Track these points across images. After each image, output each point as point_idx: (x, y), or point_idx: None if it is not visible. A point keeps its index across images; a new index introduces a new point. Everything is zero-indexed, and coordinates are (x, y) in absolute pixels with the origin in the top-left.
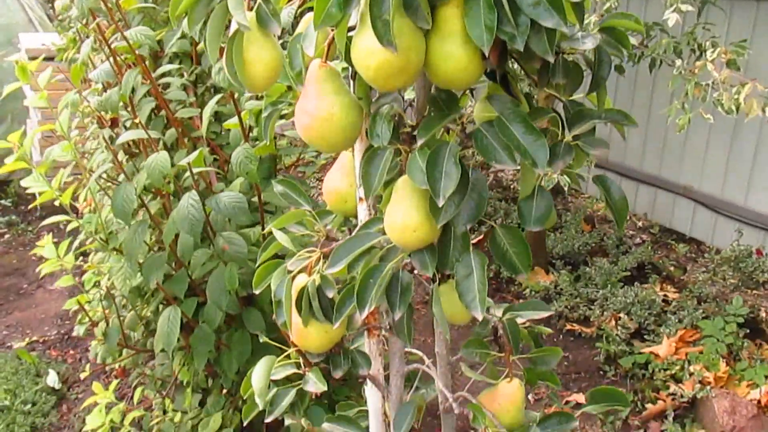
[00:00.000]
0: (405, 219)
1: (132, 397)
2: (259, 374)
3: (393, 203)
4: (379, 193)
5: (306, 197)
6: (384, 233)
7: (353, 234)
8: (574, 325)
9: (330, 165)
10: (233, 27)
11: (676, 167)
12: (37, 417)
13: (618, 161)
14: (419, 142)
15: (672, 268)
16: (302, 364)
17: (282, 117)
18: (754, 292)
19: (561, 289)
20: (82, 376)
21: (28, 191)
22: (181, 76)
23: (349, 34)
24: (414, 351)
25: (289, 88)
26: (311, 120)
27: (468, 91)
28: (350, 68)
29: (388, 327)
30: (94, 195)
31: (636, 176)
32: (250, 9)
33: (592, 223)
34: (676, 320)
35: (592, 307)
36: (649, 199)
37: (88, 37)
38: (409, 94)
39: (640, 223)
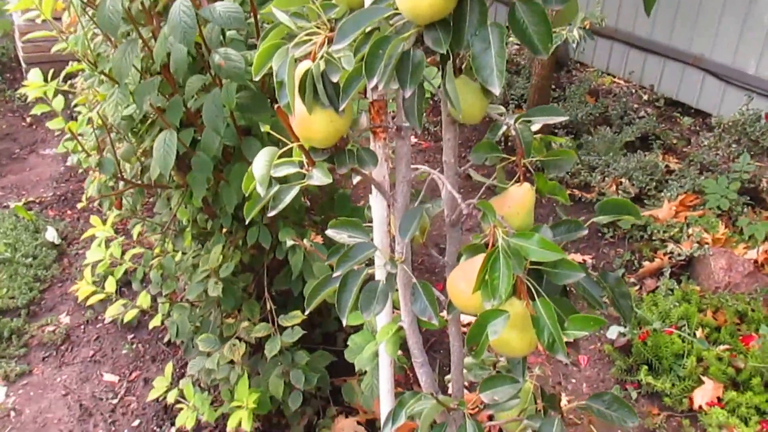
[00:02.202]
0: None
1: (131, 239)
2: (260, 163)
3: None
4: None
5: None
6: (395, 10)
7: (361, 9)
8: (575, 190)
9: None
10: None
11: (688, 35)
12: (39, 269)
13: (627, 30)
14: None
15: (675, 140)
16: (305, 163)
17: None
18: (758, 163)
19: None
20: (79, 206)
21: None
22: None
23: None
24: (420, 167)
25: None
26: None
27: None
28: None
29: (394, 129)
30: (77, 13)
31: (645, 45)
32: None
33: (596, 96)
34: (678, 186)
35: (593, 173)
36: (657, 70)
37: None
38: None
39: (645, 96)
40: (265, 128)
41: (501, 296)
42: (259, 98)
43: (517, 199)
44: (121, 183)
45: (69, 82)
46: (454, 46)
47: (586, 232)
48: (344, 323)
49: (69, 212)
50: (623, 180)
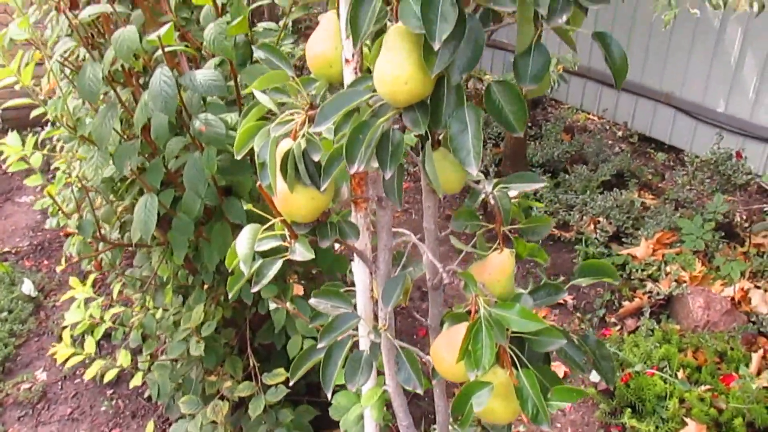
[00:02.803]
0: (396, 70)
1: (110, 306)
2: (243, 241)
3: (383, 54)
4: (367, 62)
5: (288, 62)
6: (373, 91)
7: (341, 92)
8: (554, 229)
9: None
10: None
11: (658, 74)
12: (14, 324)
13: (600, 69)
14: None
15: (650, 176)
16: (288, 236)
17: None
18: (731, 198)
19: (541, 195)
20: (58, 269)
21: None
22: None
23: None
24: (401, 230)
25: None
26: None
27: None
28: None
29: (376, 199)
30: (57, 79)
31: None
32: None
33: (571, 133)
34: (654, 223)
35: (572, 212)
36: (630, 107)
37: None
38: None
39: (619, 133)
40: (247, 206)
41: (484, 367)
42: (239, 161)
43: (498, 266)
44: (101, 243)
45: (47, 146)
46: (432, 126)
47: (566, 295)
48: (329, 397)
49: (46, 262)
50: (601, 219)
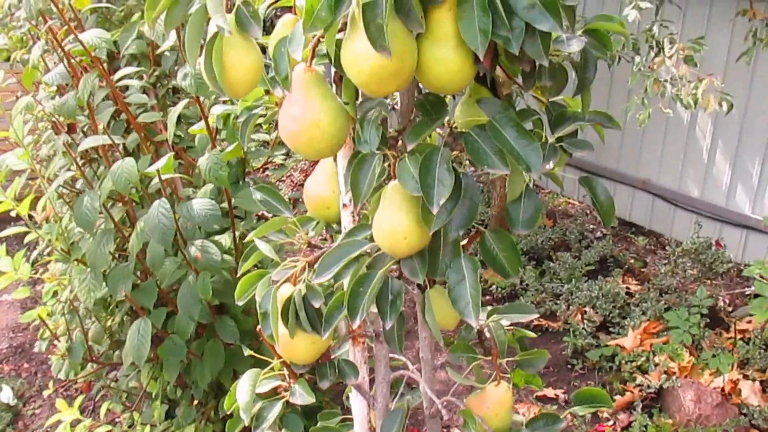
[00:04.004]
0: (395, 226)
1: (93, 410)
2: (244, 388)
3: (382, 209)
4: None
5: (286, 204)
6: (372, 240)
7: (340, 242)
8: (541, 320)
9: (304, 168)
10: (211, 30)
11: (635, 162)
12: None
13: (577, 156)
14: (408, 147)
15: (632, 261)
16: (287, 376)
17: (261, 117)
18: (714, 281)
19: (527, 285)
20: (46, 393)
21: None
22: (141, 78)
23: (338, 36)
24: (397, 357)
25: (267, 92)
26: (298, 126)
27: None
28: (333, 72)
29: (373, 334)
30: (53, 204)
31: (595, 171)
32: (229, 11)
33: (553, 219)
34: (640, 312)
35: (558, 301)
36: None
37: (38, 39)
38: (391, 99)
39: (599, 217)
40: (248, 352)
41: None
42: (231, 284)
43: (496, 399)
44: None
45: (40, 270)
46: (430, 275)
47: (564, 424)
48: None
49: (26, 365)
50: (587, 308)
